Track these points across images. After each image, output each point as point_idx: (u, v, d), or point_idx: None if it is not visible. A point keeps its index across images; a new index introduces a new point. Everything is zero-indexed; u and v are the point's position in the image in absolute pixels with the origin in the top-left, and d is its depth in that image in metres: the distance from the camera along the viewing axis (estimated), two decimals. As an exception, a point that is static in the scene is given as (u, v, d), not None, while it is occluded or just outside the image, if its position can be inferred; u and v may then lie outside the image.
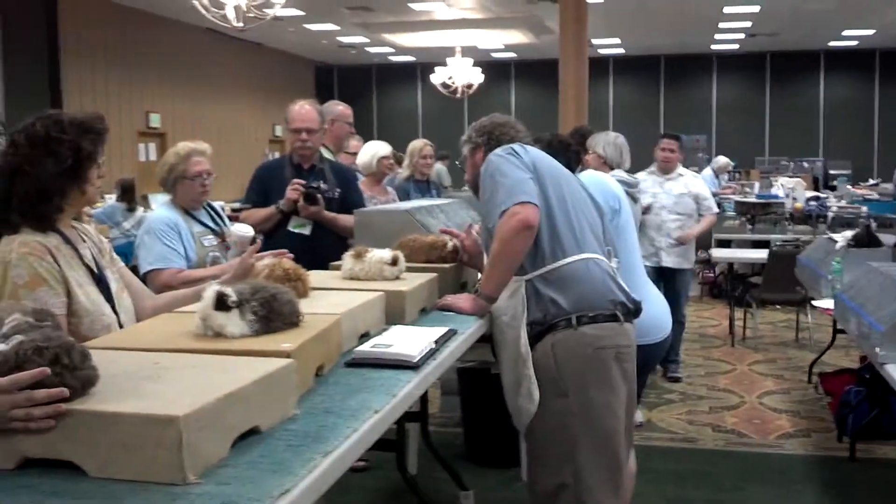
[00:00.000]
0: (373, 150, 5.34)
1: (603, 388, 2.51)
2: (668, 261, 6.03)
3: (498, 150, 2.75)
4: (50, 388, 1.37)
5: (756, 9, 14.45)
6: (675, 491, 4.09)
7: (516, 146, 2.76)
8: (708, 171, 13.22)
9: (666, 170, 6.21)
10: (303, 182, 4.13)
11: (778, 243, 7.66)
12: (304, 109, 4.28)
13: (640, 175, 5.91)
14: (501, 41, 17.09)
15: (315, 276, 2.68)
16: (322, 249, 3.65)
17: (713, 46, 19.03)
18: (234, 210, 4.20)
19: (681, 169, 6.29)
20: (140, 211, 9.46)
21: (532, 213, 2.55)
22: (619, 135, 4.83)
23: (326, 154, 4.73)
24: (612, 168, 4.63)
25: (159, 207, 3.61)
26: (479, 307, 2.70)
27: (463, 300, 2.75)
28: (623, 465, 2.56)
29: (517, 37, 16.31)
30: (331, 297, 2.46)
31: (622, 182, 4.19)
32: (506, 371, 2.66)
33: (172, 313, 2.25)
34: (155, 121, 14.26)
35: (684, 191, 6.16)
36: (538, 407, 2.52)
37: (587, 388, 2.50)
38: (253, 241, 3.29)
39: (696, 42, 18.27)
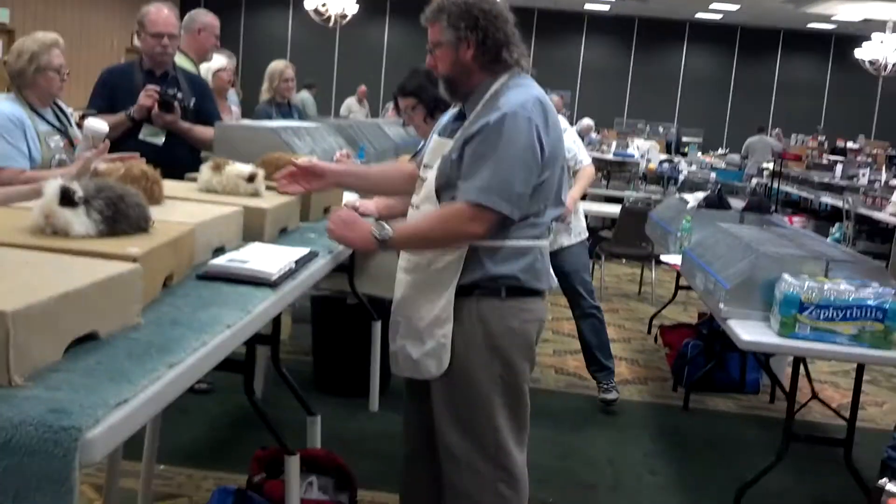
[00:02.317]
0: (207, 64, 5.05)
1: (526, 360, 2.45)
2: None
3: (528, 111, 2.29)
4: None
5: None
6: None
7: (549, 117, 2.34)
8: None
9: None
10: (157, 88, 3.88)
11: (630, 200, 7.91)
12: (163, 13, 4.00)
13: None
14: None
15: (169, 186, 2.53)
16: (175, 161, 3.45)
17: (586, 6, 19.30)
18: (80, 116, 3.89)
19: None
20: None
21: (489, 232, 2.29)
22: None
23: (187, 64, 4.48)
24: None
25: (2, 101, 3.30)
26: (370, 247, 2.39)
27: (354, 232, 2.37)
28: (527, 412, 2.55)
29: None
30: (186, 207, 2.33)
31: None
32: (407, 319, 2.44)
33: (7, 208, 2.06)
34: (3, 15, 13.21)
35: None
36: (457, 371, 2.37)
37: (514, 360, 2.40)
38: (105, 139, 3.07)
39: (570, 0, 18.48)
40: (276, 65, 5.93)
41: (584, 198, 5.70)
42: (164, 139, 3.91)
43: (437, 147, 2.44)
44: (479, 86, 2.40)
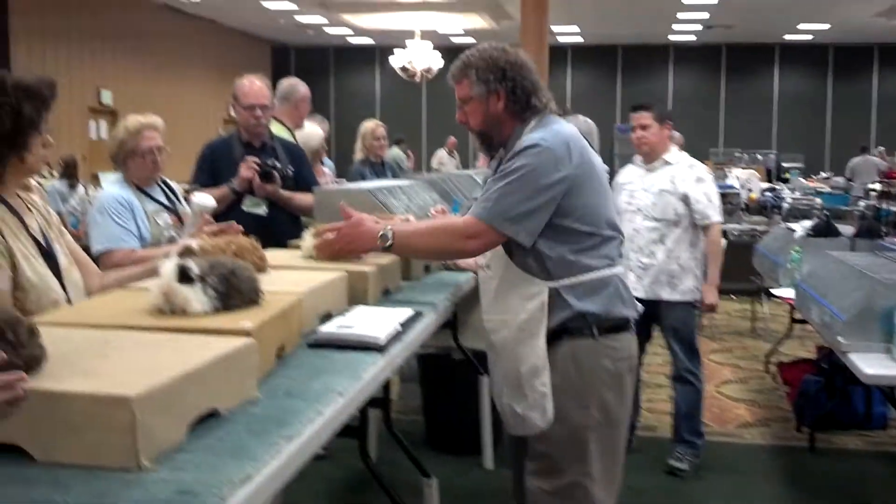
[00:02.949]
0: (310, 133, 5.21)
1: (620, 401, 2.42)
2: (644, 288, 4.15)
3: (548, 142, 2.33)
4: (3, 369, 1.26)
5: (714, 0, 14.54)
6: (635, 479, 4.06)
7: (570, 144, 2.36)
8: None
9: (647, 156, 4.33)
10: (257, 160, 4.00)
11: (735, 233, 7.71)
12: (255, 85, 4.14)
13: (626, 169, 4.53)
14: (461, 26, 16.98)
15: (273, 255, 2.59)
16: (278, 229, 3.55)
17: (670, 37, 19.14)
18: (185, 191, 4.05)
19: (673, 154, 4.32)
20: (82, 188, 9.29)
21: (490, 247, 2.38)
22: (587, 119, 4.72)
23: (285, 133, 4.61)
24: None
25: (111, 185, 3.46)
26: (375, 249, 2.49)
27: (362, 242, 2.50)
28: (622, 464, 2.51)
29: (477, 21, 16.22)
30: (291, 276, 2.37)
31: None
32: (505, 376, 2.45)
33: (124, 289, 2.14)
34: (106, 98, 13.92)
35: (667, 186, 4.21)
36: (555, 417, 2.36)
37: (607, 402, 2.38)
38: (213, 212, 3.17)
39: (654, 32, 18.36)
40: (367, 125, 6.06)
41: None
42: (266, 209, 4.01)
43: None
44: (512, 134, 2.44)
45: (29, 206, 2.27)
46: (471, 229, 2.35)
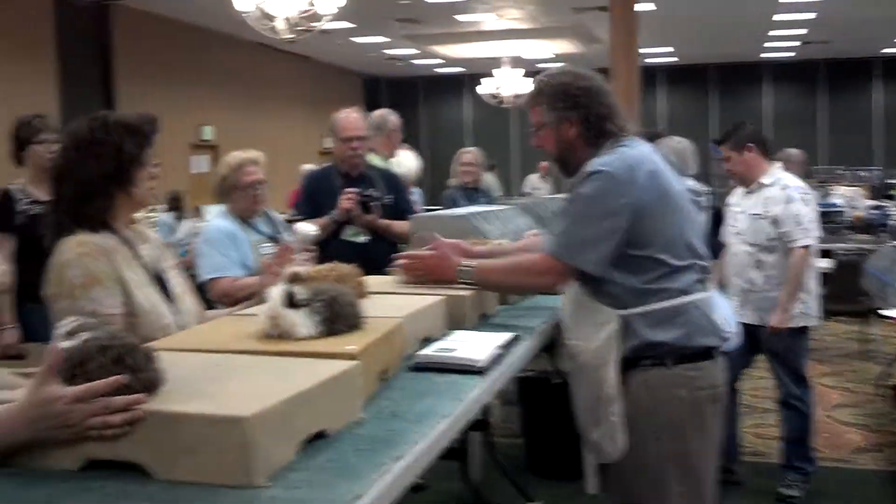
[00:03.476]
0: (397, 159, 5.33)
1: (700, 433, 2.34)
2: (746, 313, 4.10)
3: (609, 166, 2.30)
4: (124, 392, 1.32)
5: (812, 16, 14.20)
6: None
7: (634, 168, 2.31)
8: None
9: (742, 183, 4.31)
10: (356, 190, 4.09)
11: (841, 252, 7.46)
12: (351, 117, 4.25)
13: (735, 191, 4.42)
14: (550, 51, 16.99)
15: (372, 281, 2.63)
16: (377, 257, 3.61)
17: (763, 55, 18.74)
18: (287, 220, 4.21)
19: (770, 175, 4.20)
20: (189, 221, 9.64)
21: (564, 282, 2.42)
22: (682, 140, 4.67)
23: (379, 162, 4.71)
24: None
25: (216, 217, 3.60)
26: (454, 281, 2.54)
27: (441, 273, 2.57)
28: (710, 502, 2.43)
29: (566, 46, 16.20)
30: (390, 301, 2.41)
31: (689, 190, 4.07)
32: (583, 404, 2.44)
33: (233, 315, 2.21)
34: (207, 133, 14.42)
35: (759, 210, 4.15)
36: (628, 451, 2.33)
37: (683, 434, 2.32)
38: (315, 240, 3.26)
39: (747, 50, 18.01)
40: (460, 152, 6.14)
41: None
42: (365, 238, 4.10)
43: None
44: (586, 160, 2.41)
45: (141, 237, 2.37)
46: (544, 265, 2.37)
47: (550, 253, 2.35)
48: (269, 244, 3.50)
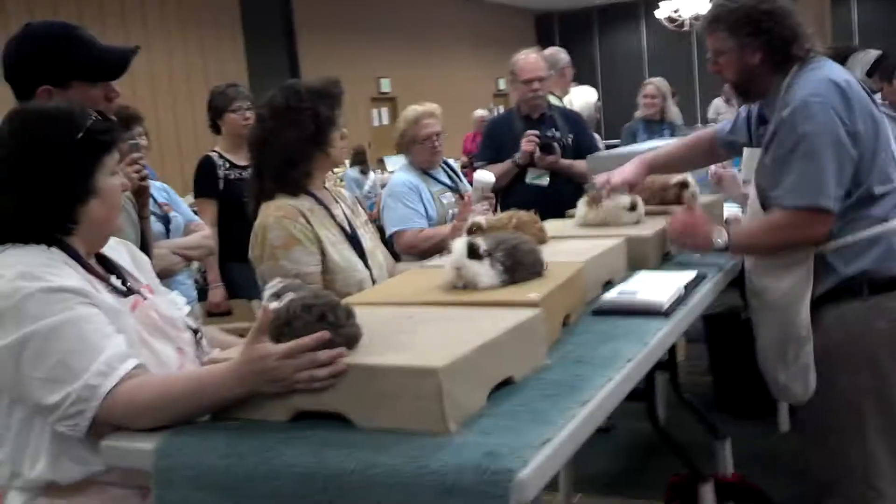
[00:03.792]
0: (569, 97, 5.25)
1: None
2: None
3: (821, 97, 2.18)
4: (327, 347, 1.43)
5: None
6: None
7: (850, 96, 2.21)
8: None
9: None
10: (537, 133, 4.12)
11: None
12: (531, 58, 4.25)
13: None
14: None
15: (551, 226, 2.66)
16: (560, 198, 3.63)
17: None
18: (463, 166, 4.33)
19: None
20: (373, 174, 9.96)
21: (824, 232, 2.21)
22: (868, 51, 4.36)
23: (555, 101, 4.69)
24: (873, 91, 4.22)
25: (399, 171, 3.73)
26: (708, 251, 2.41)
27: (695, 238, 2.41)
28: None
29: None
30: (571, 245, 2.43)
31: (887, 106, 3.84)
32: (769, 345, 2.37)
33: (418, 269, 2.32)
34: (385, 86, 14.78)
35: None
36: (823, 387, 2.26)
37: (881, 364, 2.25)
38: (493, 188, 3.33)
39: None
40: (643, 83, 6.04)
41: None
42: (548, 180, 4.12)
43: (749, 158, 2.36)
44: (772, 85, 2.27)
45: (335, 197, 2.52)
46: (797, 218, 2.22)
47: (803, 206, 2.20)
48: (450, 193, 3.60)
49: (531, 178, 4.16)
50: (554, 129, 4.19)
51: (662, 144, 4.13)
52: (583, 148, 4.17)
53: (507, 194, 4.14)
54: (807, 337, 2.26)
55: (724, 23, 2.34)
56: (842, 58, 4.40)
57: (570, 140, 4.20)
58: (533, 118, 4.26)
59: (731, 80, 2.41)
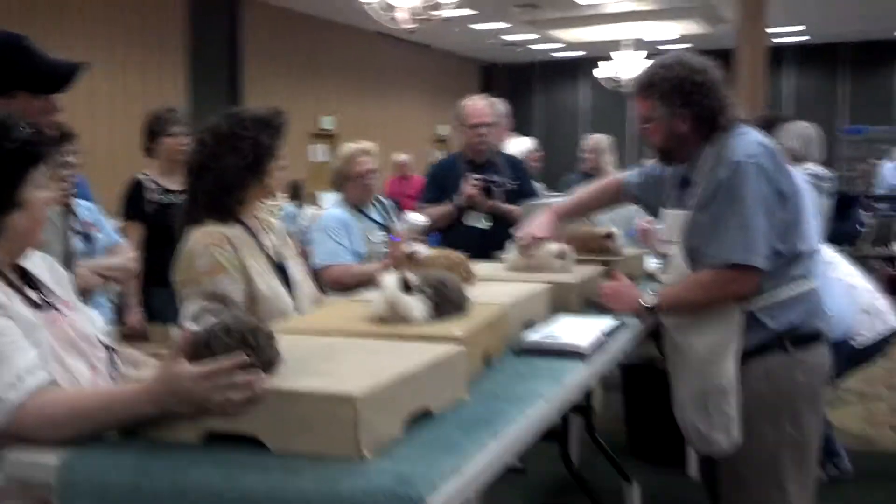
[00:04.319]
0: (523, 149, 5.38)
1: (814, 414, 2.38)
2: None
3: (755, 158, 2.27)
4: (245, 370, 1.42)
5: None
6: (853, 494, 3.87)
7: (777, 158, 2.32)
8: (889, 163, 12.43)
9: None
10: (479, 176, 4.18)
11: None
12: (479, 104, 4.34)
13: None
14: (674, 32, 16.60)
15: (480, 268, 2.70)
16: (500, 241, 3.67)
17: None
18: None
19: None
20: (311, 209, 9.93)
21: (751, 289, 2.29)
22: (808, 125, 4.56)
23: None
24: (797, 161, 4.39)
25: (331, 206, 3.75)
26: (641, 315, 2.48)
27: (624, 303, 2.50)
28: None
29: (690, 27, 15.80)
30: (496, 287, 2.47)
31: (812, 175, 4.02)
32: (689, 397, 2.43)
33: (345, 301, 2.32)
34: (327, 123, 14.80)
35: None
36: (745, 432, 2.33)
37: (801, 416, 2.34)
38: (424, 231, 3.37)
39: (882, 27, 17.15)
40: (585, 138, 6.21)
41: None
42: (488, 223, 4.18)
43: (672, 221, 2.44)
44: (696, 152, 2.37)
45: (265, 227, 2.51)
46: (727, 275, 2.28)
47: (732, 261, 2.26)
48: (381, 232, 3.62)
49: (471, 220, 4.22)
50: (496, 174, 4.27)
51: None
52: (525, 194, 4.25)
53: (448, 235, 4.19)
54: (731, 389, 2.33)
55: (656, 91, 2.41)
56: (768, 126, 4.59)
57: (511, 185, 4.28)
58: (477, 162, 4.33)
59: (657, 144, 2.48)
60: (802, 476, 2.35)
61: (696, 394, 2.39)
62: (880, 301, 3.74)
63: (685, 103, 2.37)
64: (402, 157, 10.90)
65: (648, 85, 2.43)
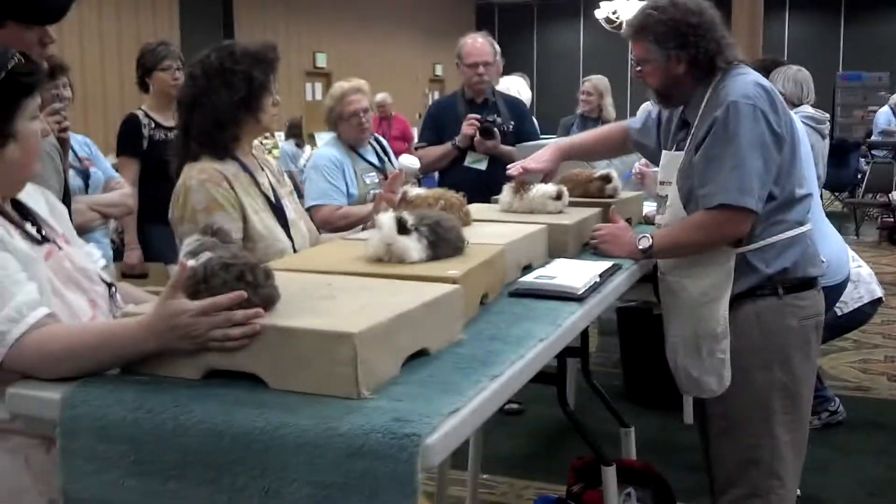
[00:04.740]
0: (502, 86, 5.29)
1: (806, 360, 2.39)
2: None
3: (751, 99, 2.25)
4: (244, 307, 1.42)
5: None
6: (846, 440, 3.93)
7: (775, 100, 2.30)
8: (885, 108, 12.39)
9: None
10: (478, 116, 4.15)
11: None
12: (478, 43, 4.28)
13: None
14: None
15: (476, 209, 2.69)
16: (498, 183, 3.66)
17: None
18: (414, 148, 4.35)
19: None
20: (308, 148, 9.83)
21: (744, 231, 2.28)
22: (800, 69, 4.53)
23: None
24: (794, 105, 4.37)
25: (325, 145, 3.72)
26: (635, 256, 2.46)
27: (620, 246, 2.49)
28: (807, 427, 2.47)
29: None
30: (494, 228, 2.47)
31: (808, 118, 4.00)
32: (681, 341, 2.44)
33: (343, 240, 2.32)
34: (321, 60, 14.63)
35: None
36: (735, 377, 2.35)
37: (791, 361, 2.35)
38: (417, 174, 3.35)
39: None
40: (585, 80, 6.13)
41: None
42: (486, 164, 4.16)
43: (669, 162, 2.43)
44: (696, 92, 2.34)
45: (261, 164, 2.49)
46: (720, 216, 2.27)
47: (723, 202, 2.25)
48: (374, 173, 3.59)
49: (470, 161, 4.19)
50: (496, 115, 4.23)
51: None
52: (524, 135, 4.22)
53: (446, 176, 4.17)
54: (723, 333, 2.34)
55: (650, 33, 2.37)
56: (767, 70, 4.55)
57: (511, 126, 4.25)
58: (477, 102, 4.30)
59: (654, 87, 2.46)
60: (793, 422, 2.38)
61: (689, 337, 2.41)
62: (864, 269, 3.76)
63: (681, 45, 2.34)
64: (380, 95, 10.67)
65: (641, 28, 2.40)
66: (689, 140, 2.39)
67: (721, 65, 2.36)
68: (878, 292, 3.77)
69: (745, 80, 2.32)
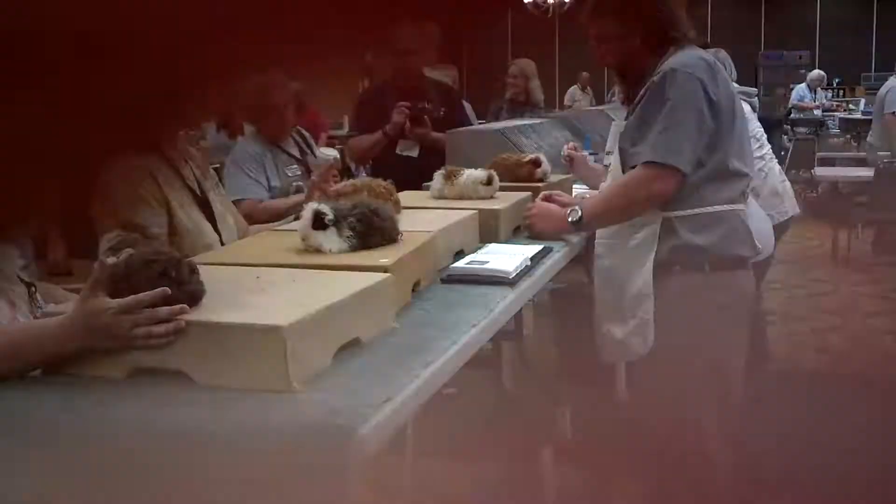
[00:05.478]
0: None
1: (733, 336, 2.43)
2: None
3: (690, 68, 2.29)
4: (167, 303, 1.39)
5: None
6: (776, 415, 4.02)
7: (715, 71, 2.34)
8: (802, 84, 12.75)
9: None
10: (408, 104, 4.11)
11: (885, 161, 7.31)
12: (406, 30, 4.24)
13: None
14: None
15: (406, 196, 2.68)
16: (429, 171, 3.65)
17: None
18: (345, 137, 4.31)
19: None
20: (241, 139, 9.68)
21: (673, 188, 2.29)
22: (720, 50, 4.63)
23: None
24: None
25: (244, 139, 3.64)
26: (568, 232, 2.50)
27: (551, 221, 2.53)
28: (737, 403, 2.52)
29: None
30: (424, 215, 2.46)
31: (742, 92, 4.10)
32: (607, 303, 2.48)
33: (272, 231, 2.28)
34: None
35: None
36: (663, 354, 2.36)
37: (715, 339, 2.39)
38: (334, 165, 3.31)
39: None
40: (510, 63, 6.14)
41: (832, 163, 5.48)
42: (418, 151, 4.13)
43: (614, 131, 2.47)
44: (648, 68, 2.40)
45: (185, 158, 2.44)
46: (647, 174, 2.30)
47: (650, 160, 2.29)
48: (296, 166, 3.54)
49: (401, 149, 4.16)
50: (426, 102, 4.20)
51: (518, 124, 4.24)
52: (454, 121, 4.20)
53: (379, 165, 4.14)
54: (648, 294, 2.36)
55: (608, 9, 2.43)
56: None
57: (441, 113, 4.22)
58: (406, 89, 4.26)
59: (612, 65, 2.52)
60: (722, 397, 2.42)
61: (612, 298, 2.43)
62: (786, 184, 4.06)
63: (635, 17, 2.40)
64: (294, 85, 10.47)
65: (599, 4, 2.46)
66: (634, 102, 2.43)
67: (674, 35, 2.40)
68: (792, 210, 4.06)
69: (689, 54, 2.37)
